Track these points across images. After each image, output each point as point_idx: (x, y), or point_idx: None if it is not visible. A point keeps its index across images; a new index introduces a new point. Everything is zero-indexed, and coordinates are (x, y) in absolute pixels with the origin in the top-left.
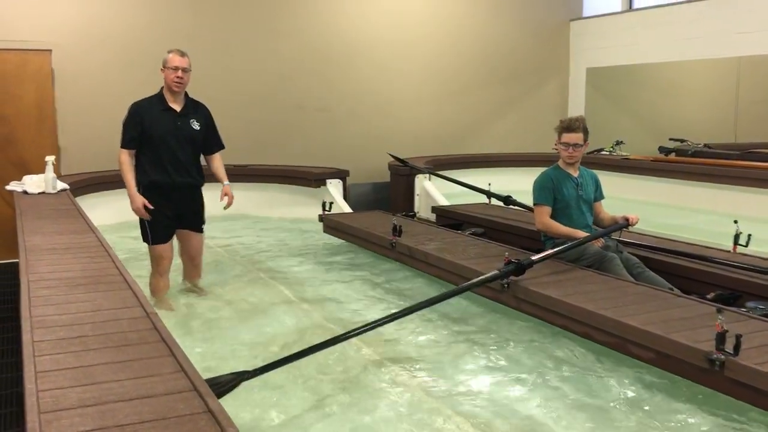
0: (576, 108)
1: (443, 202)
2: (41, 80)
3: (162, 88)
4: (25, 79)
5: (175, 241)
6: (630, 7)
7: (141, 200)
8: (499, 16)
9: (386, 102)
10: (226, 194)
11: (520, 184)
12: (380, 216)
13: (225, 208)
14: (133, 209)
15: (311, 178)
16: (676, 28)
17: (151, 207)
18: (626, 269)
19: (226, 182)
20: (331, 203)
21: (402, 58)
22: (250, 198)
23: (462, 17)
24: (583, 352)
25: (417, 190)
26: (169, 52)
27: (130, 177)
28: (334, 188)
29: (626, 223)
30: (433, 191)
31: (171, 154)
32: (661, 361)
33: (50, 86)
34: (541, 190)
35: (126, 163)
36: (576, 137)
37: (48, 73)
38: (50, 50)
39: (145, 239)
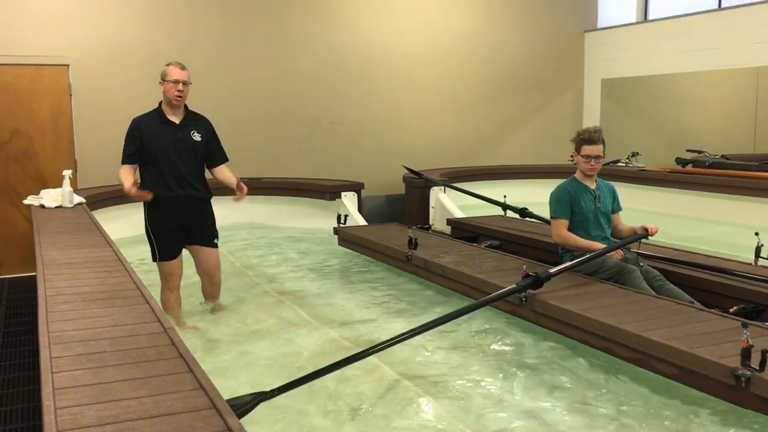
0: (591, 119)
1: (458, 214)
2: (58, 95)
3: (160, 102)
4: (42, 94)
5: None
6: (645, 18)
7: (128, 184)
8: (513, 28)
9: (401, 114)
10: (239, 188)
11: (535, 195)
12: (395, 228)
13: (236, 199)
14: (133, 195)
15: (326, 191)
16: (693, 38)
17: (146, 193)
18: (646, 282)
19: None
20: (346, 216)
21: (417, 71)
22: (264, 211)
23: (477, 30)
24: (604, 366)
25: (432, 203)
26: (167, 64)
27: (122, 178)
28: (349, 201)
29: (645, 233)
30: (448, 203)
31: (172, 167)
32: (684, 377)
33: (68, 101)
34: (558, 202)
35: (123, 174)
36: (597, 149)
37: (65, 88)
38: (68, 65)
39: (153, 256)
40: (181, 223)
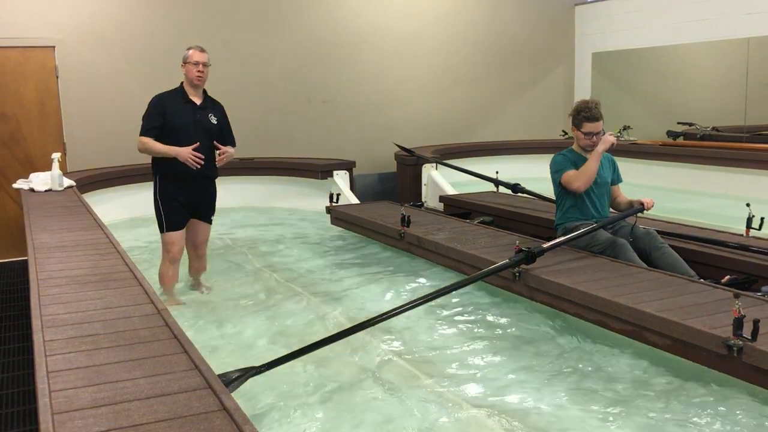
0: (582, 93)
1: (451, 191)
2: (45, 77)
3: (182, 83)
4: (29, 76)
5: None
6: None
7: (186, 150)
8: (503, 2)
9: (391, 91)
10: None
11: (527, 171)
12: (388, 206)
13: (217, 156)
14: (186, 159)
15: (317, 170)
16: (683, 10)
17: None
18: (647, 245)
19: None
20: (338, 194)
21: (407, 48)
22: (256, 191)
23: (467, 4)
24: (596, 339)
25: (424, 180)
26: (188, 48)
27: (158, 146)
28: (341, 179)
29: (642, 207)
30: (441, 180)
31: (190, 145)
32: (677, 348)
33: (54, 83)
34: (564, 161)
35: (147, 141)
36: (599, 126)
37: (52, 70)
38: (53, 47)
39: (160, 227)
40: (191, 199)
